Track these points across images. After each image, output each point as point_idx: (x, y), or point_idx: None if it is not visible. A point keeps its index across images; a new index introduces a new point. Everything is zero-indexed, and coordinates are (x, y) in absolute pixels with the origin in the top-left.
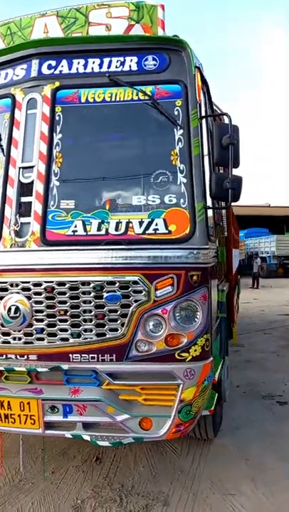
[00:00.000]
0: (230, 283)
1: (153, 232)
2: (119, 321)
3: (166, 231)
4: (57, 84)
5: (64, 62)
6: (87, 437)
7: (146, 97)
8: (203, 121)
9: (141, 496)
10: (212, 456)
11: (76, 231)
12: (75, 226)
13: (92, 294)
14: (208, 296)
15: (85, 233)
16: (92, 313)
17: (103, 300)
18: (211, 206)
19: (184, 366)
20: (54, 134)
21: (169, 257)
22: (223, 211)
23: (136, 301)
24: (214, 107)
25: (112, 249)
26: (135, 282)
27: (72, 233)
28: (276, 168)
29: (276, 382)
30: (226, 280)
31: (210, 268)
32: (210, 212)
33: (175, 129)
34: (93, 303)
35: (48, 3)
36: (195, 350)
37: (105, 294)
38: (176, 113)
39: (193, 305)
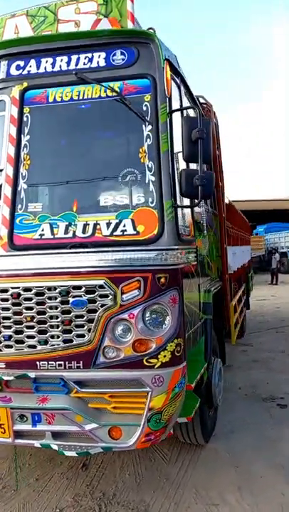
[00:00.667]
0: (224, 282)
1: (121, 233)
2: (86, 327)
3: (134, 232)
4: (25, 84)
5: (32, 62)
6: (55, 447)
7: (114, 94)
8: (176, 116)
9: (121, 505)
10: (201, 463)
11: (43, 234)
12: (42, 230)
13: (59, 299)
14: (179, 299)
15: (52, 236)
16: (59, 319)
17: (69, 305)
18: (180, 205)
19: (152, 373)
20: (22, 136)
21: (135, 259)
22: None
23: (102, 305)
24: (203, 100)
25: (78, 253)
26: (101, 286)
27: (39, 237)
28: (276, 168)
29: (280, 383)
30: (220, 279)
31: (181, 269)
32: (187, 211)
33: (143, 126)
34: (60, 308)
35: None
36: (164, 356)
37: (71, 299)
38: (144, 109)
39: (162, 309)
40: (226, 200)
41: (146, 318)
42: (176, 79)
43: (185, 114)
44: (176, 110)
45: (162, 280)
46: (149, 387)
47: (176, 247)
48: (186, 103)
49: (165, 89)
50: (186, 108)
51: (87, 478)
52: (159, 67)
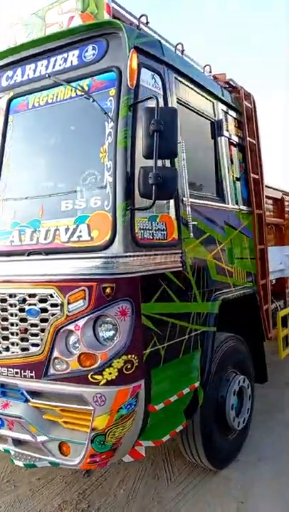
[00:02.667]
0: (259, 288)
1: (77, 239)
2: (38, 336)
3: (89, 238)
4: (11, 94)
5: (19, 70)
6: (12, 453)
7: (81, 93)
8: (144, 109)
9: None
10: (205, 490)
11: (13, 241)
12: (13, 236)
13: (17, 306)
14: (132, 312)
15: (20, 243)
16: (18, 326)
17: (25, 313)
18: (136, 207)
19: (93, 390)
20: (6, 146)
21: (83, 267)
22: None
23: (53, 315)
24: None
25: (32, 260)
26: (51, 295)
27: (10, 243)
28: (276, 168)
29: None
30: (254, 285)
31: (137, 278)
32: (171, 211)
33: (106, 123)
34: (18, 316)
35: None
36: (110, 373)
37: (27, 307)
38: (108, 104)
39: (109, 321)
40: (277, 195)
41: (93, 331)
42: (158, 67)
43: (176, 105)
44: (137, 102)
45: (108, 290)
46: (92, 405)
47: (129, 254)
48: (182, 93)
49: (128, 80)
50: (143, 100)
51: (83, 485)
52: (125, 58)
